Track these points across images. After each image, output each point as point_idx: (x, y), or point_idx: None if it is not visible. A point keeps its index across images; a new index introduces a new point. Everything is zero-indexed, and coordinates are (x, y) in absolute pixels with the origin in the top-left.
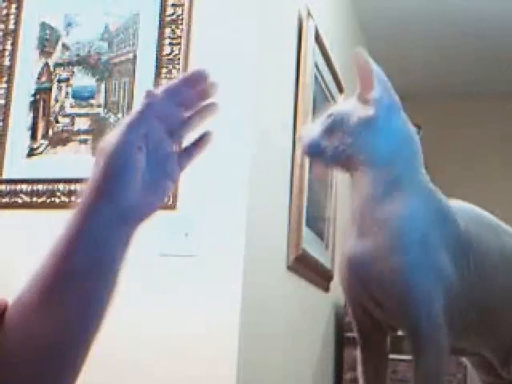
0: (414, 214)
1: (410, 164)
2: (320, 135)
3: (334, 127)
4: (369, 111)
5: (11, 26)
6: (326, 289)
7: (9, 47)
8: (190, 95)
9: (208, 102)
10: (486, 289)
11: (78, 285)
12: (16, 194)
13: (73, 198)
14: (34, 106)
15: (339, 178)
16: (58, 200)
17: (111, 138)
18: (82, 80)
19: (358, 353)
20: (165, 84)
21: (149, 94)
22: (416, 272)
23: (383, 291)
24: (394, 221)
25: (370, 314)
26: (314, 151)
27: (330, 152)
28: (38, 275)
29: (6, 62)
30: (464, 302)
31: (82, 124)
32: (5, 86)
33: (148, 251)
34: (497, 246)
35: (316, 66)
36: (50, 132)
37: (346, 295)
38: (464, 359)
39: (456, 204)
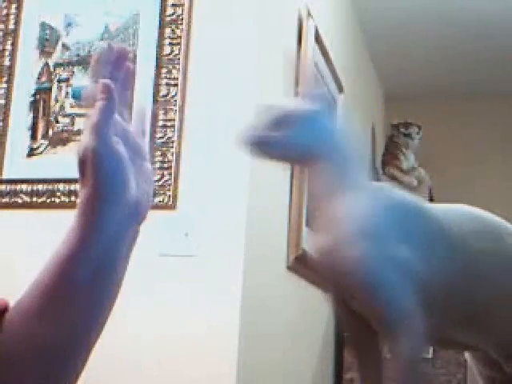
0: (364, 208)
1: (357, 162)
2: (265, 129)
3: (278, 122)
4: (311, 107)
5: (11, 26)
6: None
7: (9, 47)
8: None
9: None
10: (476, 286)
11: (86, 289)
12: (16, 193)
13: (73, 198)
14: (34, 106)
15: None
16: (57, 200)
17: (88, 142)
18: (82, 80)
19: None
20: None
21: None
22: (371, 263)
23: (347, 283)
24: (346, 216)
25: (355, 312)
26: (260, 144)
27: (276, 146)
28: (41, 280)
29: (6, 62)
30: (447, 296)
31: (82, 124)
32: (5, 85)
33: (148, 251)
34: (491, 245)
35: (316, 65)
36: (50, 132)
37: (326, 292)
38: (464, 357)
39: (446, 205)
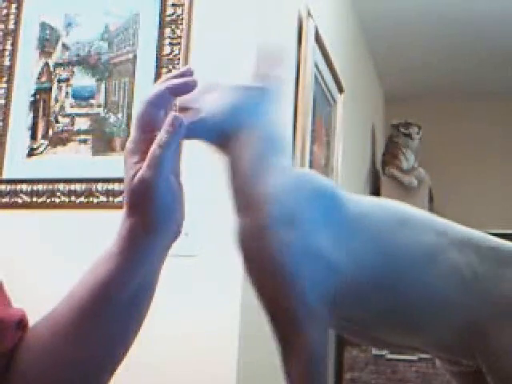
0: (283, 194)
1: (282, 147)
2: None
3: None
4: (265, 85)
5: (11, 26)
6: None
7: (9, 47)
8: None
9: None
10: (399, 282)
11: (122, 311)
12: (16, 193)
13: (73, 198)
14: (34, 106)
15: (339, 178)
16: (57, 200)
17: (146, 175)
18: (82, 80)
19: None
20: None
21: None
22: (288, 250)
23: (261, 270)
24: (268, 200)
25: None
26: (211, 132)
27: (218, 125)
28: (76, 299)
29: (6, 62)
30: (372, 291)
31: (82, 124)
32: (5, 85)
33: None
34: (413, 241)
35: (316, 65)
36: (50, 132)
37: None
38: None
39: (369, 198)
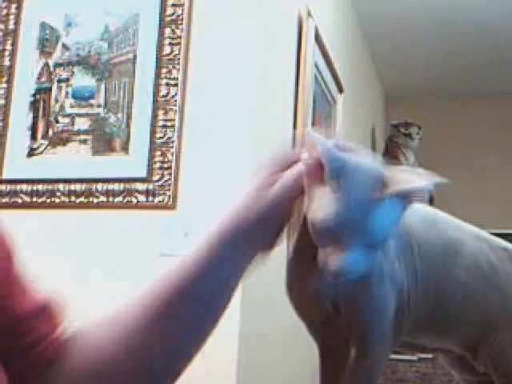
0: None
1: None
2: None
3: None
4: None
5: (11, 26)
6: None
7: (9, 47)
8: None
9: None
10: (435, 285)
11: (201, 305)
12: (16, 194)
13: (73, 198)
14: (33, 106)
15: None
16: (57, 200)
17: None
18: (82, 80)
19: (318, 358)
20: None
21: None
22: (379, 279)
23: (344, 297)
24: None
25: (329, 320)
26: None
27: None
28: (156, 293)
29: (6, 62)
30: (414, 300)
31: (82, 124)
32: (5, 85)
33: (147, 251)
34: (442, 242)
35: (316, 65)
36: (50, 132)
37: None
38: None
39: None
